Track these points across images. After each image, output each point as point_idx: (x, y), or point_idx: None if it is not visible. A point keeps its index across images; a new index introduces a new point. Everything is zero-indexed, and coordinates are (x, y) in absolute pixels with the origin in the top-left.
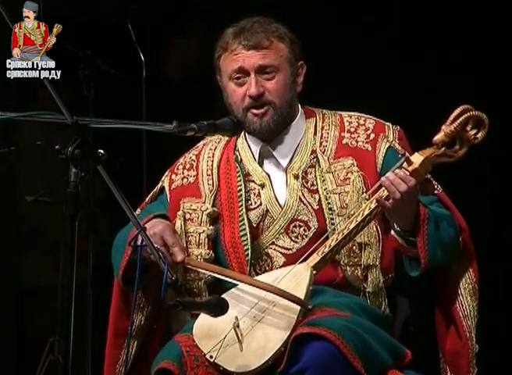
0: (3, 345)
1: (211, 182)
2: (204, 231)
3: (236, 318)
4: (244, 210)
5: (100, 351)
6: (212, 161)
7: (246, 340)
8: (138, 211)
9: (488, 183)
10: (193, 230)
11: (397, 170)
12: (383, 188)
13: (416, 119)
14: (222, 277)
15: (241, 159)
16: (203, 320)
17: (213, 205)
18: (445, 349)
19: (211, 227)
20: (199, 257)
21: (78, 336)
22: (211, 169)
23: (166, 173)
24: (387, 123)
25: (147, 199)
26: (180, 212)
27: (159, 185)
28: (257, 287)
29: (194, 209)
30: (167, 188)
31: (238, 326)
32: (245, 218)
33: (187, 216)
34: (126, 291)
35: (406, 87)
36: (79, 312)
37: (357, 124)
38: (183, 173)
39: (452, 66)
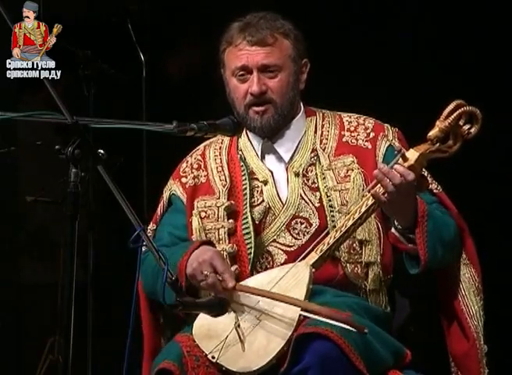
0: (3, 345)
1: (223, 178)
2: (222, 226)
3: (237, 318)
4: (248, 208)
5: (100, 351)
6: (221, 159)
7: (247, 340)
8: (152, 225)
9: (489, 181)
10: (211, 227)
11: (396, 165)
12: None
13: (416, 119)
14: (272, 300)
15: (245, 157)
16: (202, 320)
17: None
18: (453, 351)
19: (231, 221)
20: (223, 252)
21: (78, 336)
22: (222, 166)
23: (171, 181)
24: (386, 124)
25: (158, 212)
26: (195, 212)
27: (167, 194)
28: (297, 305)
29: (209, 206)
30: (181, 191)
31: (239, 326)
32: (249, 215)
33: (202, 214)
34: (154, 311)
35: (406, 87)
36: (79, 312)
37: (356, 123)
38: (192, 173)
39: (452, 66)
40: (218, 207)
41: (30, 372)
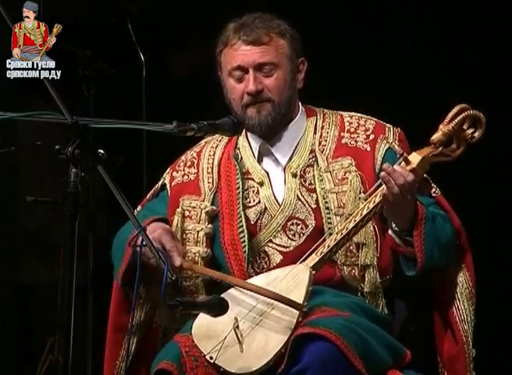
0: (3, 345)
1: (211, 180)
2: (202, 229)
3: (236, 319)
4: (241, 207)
5: (100, 351)
6: (213, 159)
7: (246, 341)
8: (139, 208)
9: (489, 182)
10: (191, 228)
11: (396, 166)
12: (384, 186)
13: (416, 119)
14: (222, 281)
15: (241, 157)
16: (202, 321)
17: (213, 204)
18: (442, 353)
19: (210, 226)
20: (197, 255)
21: (78, 336)
22: (212, 168)
23: (168, 170)
24: (388, 125)
25: (148, 196)
26: (179, 210)
27: (160, 182)
28: (257, 292)
29: (193, 207)
30: (168, 185)
31: (238, 327)
32: (242, 215)
33: (186, 213)
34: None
35: (406, 87)
36: (79, 312)
37: (357, 124)
38: (183, 170)
39: (452, 66)
40: (202, 209)
41: (30, 372)
